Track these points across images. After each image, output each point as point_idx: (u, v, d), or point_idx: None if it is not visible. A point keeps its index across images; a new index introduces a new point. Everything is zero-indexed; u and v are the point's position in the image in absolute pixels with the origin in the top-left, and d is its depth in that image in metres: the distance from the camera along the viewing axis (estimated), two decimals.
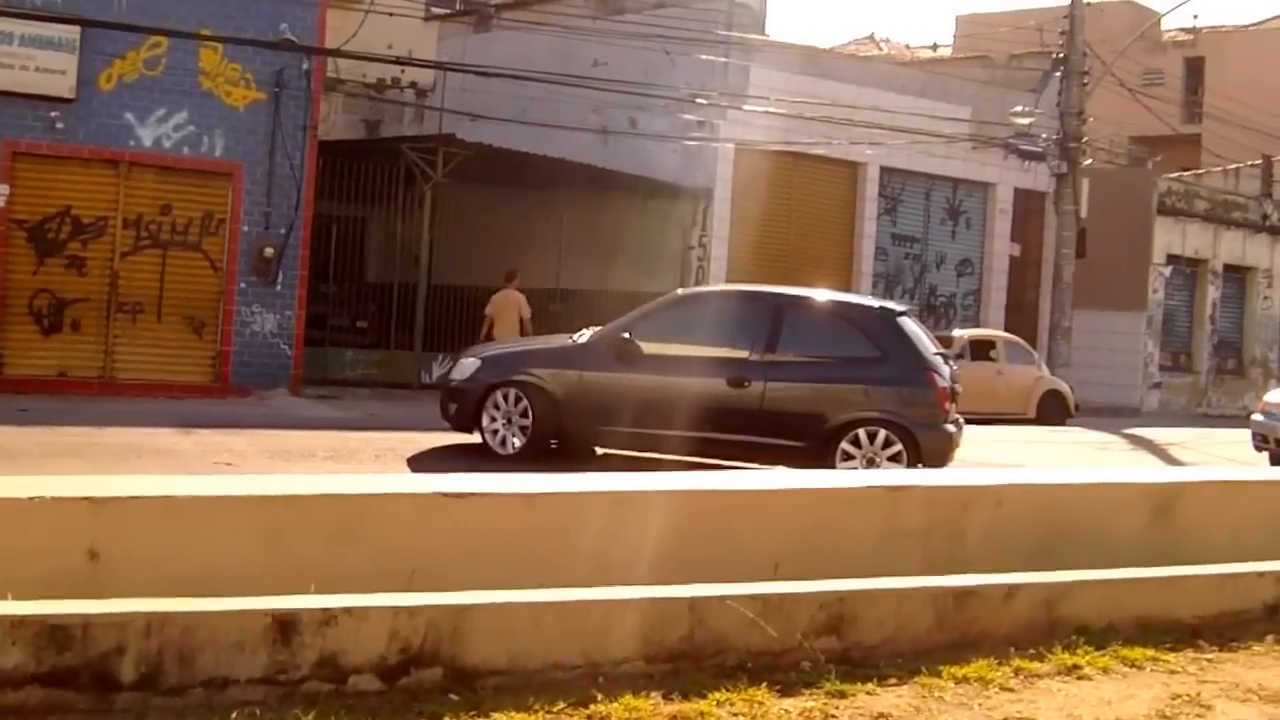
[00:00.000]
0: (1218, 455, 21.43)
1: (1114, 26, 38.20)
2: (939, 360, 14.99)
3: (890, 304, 15.55)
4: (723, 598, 6.29)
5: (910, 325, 15.11)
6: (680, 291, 16.38)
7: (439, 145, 26.23)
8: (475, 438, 15.78)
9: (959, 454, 15.68)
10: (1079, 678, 6.71)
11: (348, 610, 5.72)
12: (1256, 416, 19.79)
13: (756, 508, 7.90)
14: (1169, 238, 37.00)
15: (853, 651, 6.63)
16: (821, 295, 16.03)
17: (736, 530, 7.64)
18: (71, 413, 18.75)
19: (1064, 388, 28.08)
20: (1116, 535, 8.79)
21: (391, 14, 25.96)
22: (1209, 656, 7.28)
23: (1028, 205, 33.53)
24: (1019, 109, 29.70)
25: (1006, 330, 31.89)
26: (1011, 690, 6.44)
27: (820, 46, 33.58)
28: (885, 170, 31.71)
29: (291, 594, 5.99)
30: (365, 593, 6.02)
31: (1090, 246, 31.06)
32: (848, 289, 30.87)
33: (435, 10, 34.83)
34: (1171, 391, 37.44)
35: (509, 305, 24.71)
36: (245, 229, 23.25)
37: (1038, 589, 7.28)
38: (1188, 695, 6.52)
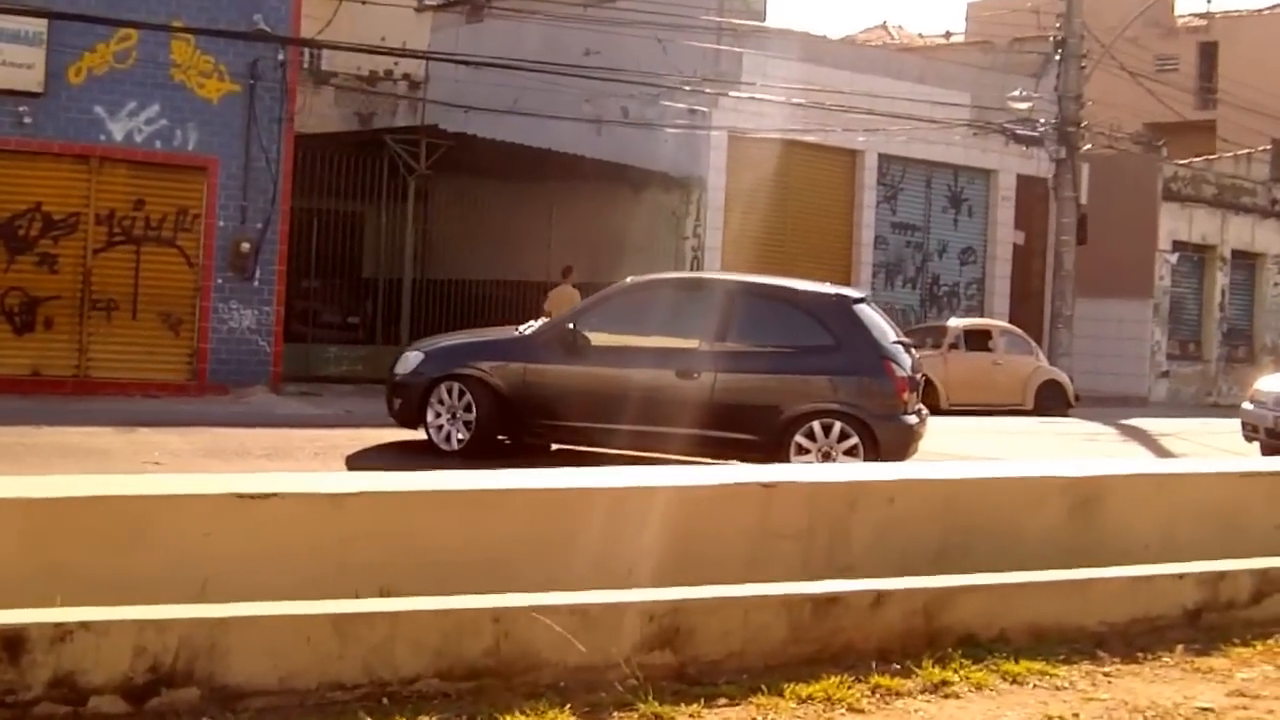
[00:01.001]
0: (1212, 445, 20.42)
1: (1127, 12, 37.07)
2: (898, 349, 14.10)
3: (847, 290, 14.65)
4: (531, 609, 5.50)
5: (868, 313, 14.25)
6: (630, 280, 15.52)
7: (421, 136, 25.52)
8: (421, 434, 15.05)
9: (930, 446, 14.89)
10: (946, 695, 5.87)
11: (85, 625, 4.99)
12: (1246, 405, 18.81)
13: (608, 508, 7.08)
14: (1175, 224, 35.87)
15: (689, 668, 5.83)
16: (774, 282, 15.18)
17: (583, 533, 6.83)
18: (33, 412, 18.06)
19: (1063, 378, 27.03)
20: (1029, 535, 7.94)
21: (365, 1, 25.15)
22: (1106, 670, 6.42)
23: (1031, 192, 32.41)
24: (1016, 93, 28.74)
25: (1012, 320, 30.97)
26: (860, 711, 5.61)
27: (815, 33, 32.61)
28: (884, 158, 30.77)
29: (62, 606, 5.26)
30: (151, 604, 5.29)
31: (1094, 233, 30.08)
32: (847, 278, 30.08)
33: (426, 1, 34.12)
34: (1180, 381, 36.33)
35: (563, 300, 24.26)
36: (221, 224, 22.56)
37: (913, 595, 6.45)
38: (1062, 716, 5.69)
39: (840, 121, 28.38)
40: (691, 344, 14.15)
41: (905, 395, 13.71)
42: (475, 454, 14.28)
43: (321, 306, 27.80)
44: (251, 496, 6.12)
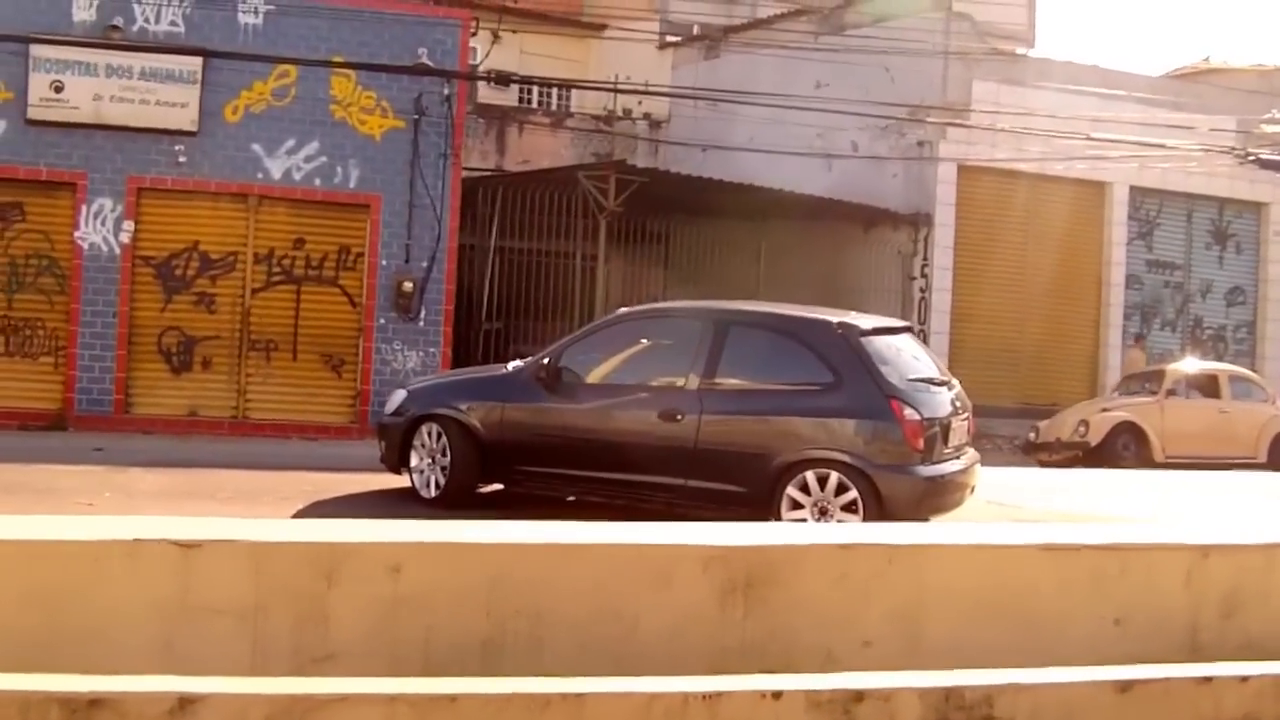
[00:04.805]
0: None
1: None
2: (915, 388, 10.85)
3: (855, 320, 11.50)
4: None
5: (881, 345, 10.99)
6: (623, 310, 12.85)
7: (610, 172, 23.19)
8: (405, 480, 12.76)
9: (1028, 501, 11.81)
10: None
11: None
12: None
13: None
14: None
15: None
16: (768, 310, 12.19)
17: None
18: (143, 452, 16.70)
19: None
20: (650, 624, 5.00)
21: (502, 26, 23.08)
22: None
23: None
24: (1270, 115, 24.54)
25: None
26: None
27: (1034, 56, 28.84)
28: (1136, 190, 26.79)
29: None
30: None
31: None
32: (1095, 320, 26.53)
33: (668, 40, 31.96)
34: None
35: (1131, 365, 24.65)
36: (384, 263, 20.83)
37: (223, 702, 3.79)
38: None
39: (1083, 150, 24.77)
40: (677, 382, 11.38)
41: (918, 442, 10.54)
42: (455, 504, 11.92)
43: (529, 349, 25.78)
44: None
